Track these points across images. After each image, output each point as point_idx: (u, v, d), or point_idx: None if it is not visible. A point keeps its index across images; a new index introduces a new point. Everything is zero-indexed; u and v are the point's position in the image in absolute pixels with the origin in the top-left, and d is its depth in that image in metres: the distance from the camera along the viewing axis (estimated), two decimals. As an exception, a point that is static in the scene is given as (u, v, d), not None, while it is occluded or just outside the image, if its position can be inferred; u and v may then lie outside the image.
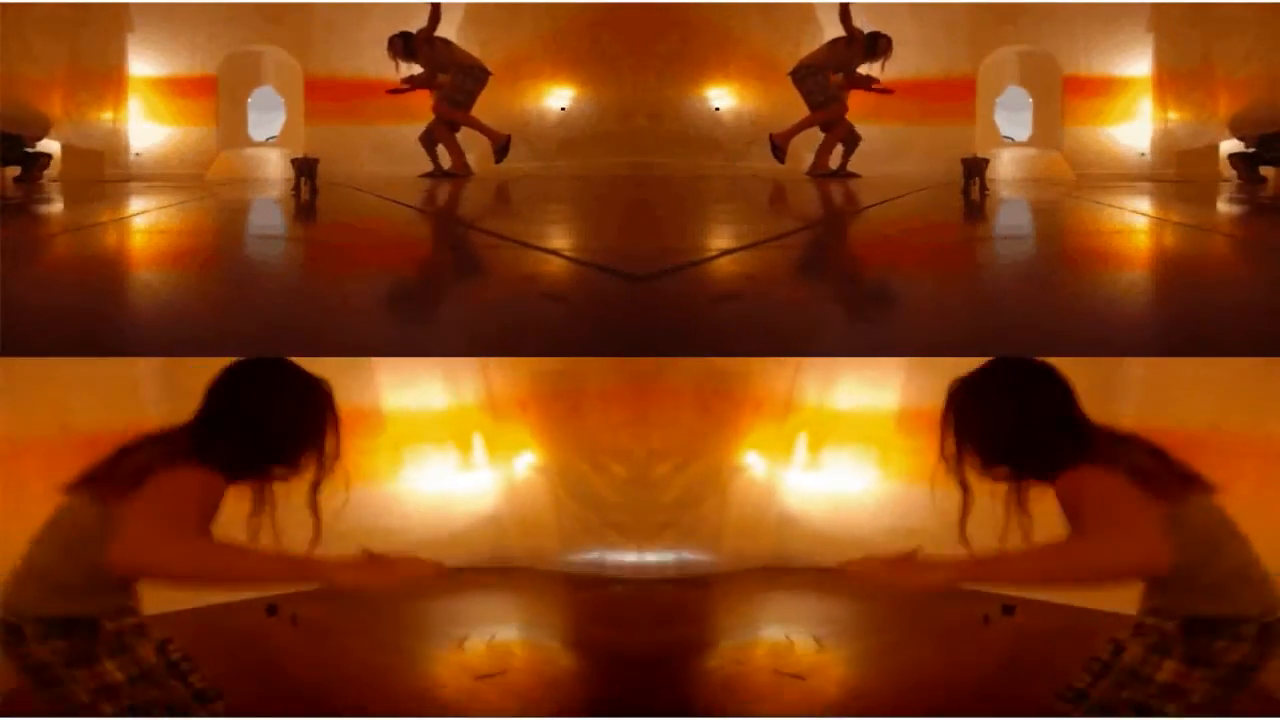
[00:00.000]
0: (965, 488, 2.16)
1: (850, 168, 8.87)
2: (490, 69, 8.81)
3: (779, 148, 8.74)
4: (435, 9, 8.65)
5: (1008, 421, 2.09)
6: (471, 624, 4.81)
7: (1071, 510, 1.98)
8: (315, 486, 2.16)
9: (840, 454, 6.20)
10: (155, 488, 1.94)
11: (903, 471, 5.83)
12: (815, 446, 6.29)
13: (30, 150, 8.65)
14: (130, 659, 2.00)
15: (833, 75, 8.61)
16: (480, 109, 9.05)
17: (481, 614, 5.21)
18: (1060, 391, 2.11)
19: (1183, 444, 2.14)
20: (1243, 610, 1.96)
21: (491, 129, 8.82)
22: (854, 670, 4.22)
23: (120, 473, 2.00)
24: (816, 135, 8.92)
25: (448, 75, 8.74)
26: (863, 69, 8.65)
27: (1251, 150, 8.78)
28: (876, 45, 8.53)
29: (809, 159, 9.14)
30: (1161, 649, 1.97)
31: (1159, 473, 2.00)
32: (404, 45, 8.64)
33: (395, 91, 8.77)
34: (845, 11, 8.58)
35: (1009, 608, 4.78)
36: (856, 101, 8.75)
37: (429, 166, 8.95)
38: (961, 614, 4.63)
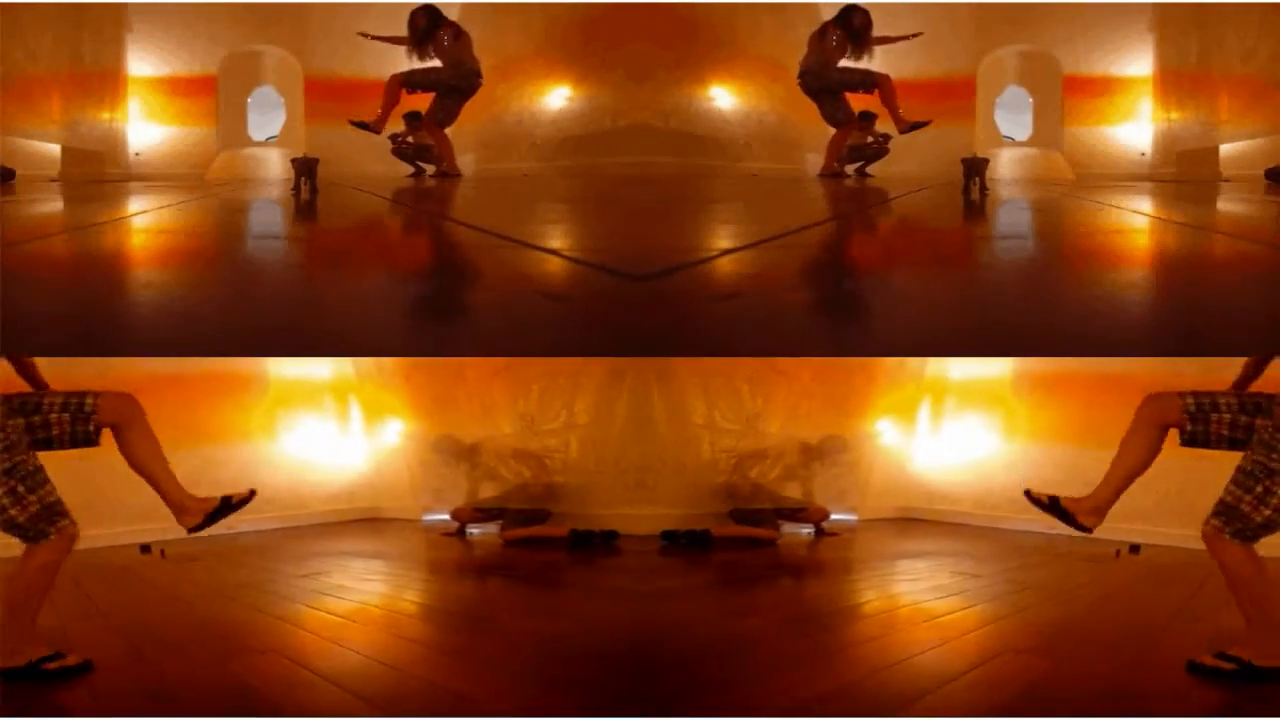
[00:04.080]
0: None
1: (849, 167, 8.87)
2: (482, 80, 8.72)
3: (914, 125, 8.49)
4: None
5: None
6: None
7: None
8: None
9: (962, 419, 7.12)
10: None
11: (1021, 432, 6.70)
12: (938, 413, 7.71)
13: None
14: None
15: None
16: (481, 105, 9.04)
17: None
18: None
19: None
20: None
21: (384, 118, 8.48)
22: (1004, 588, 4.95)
23: None
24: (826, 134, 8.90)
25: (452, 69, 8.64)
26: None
27: None
28: (852, 23, 8.39)
29: (817, 160, 9.14)
30: None
31: None
32: (429, 24, 8.46)
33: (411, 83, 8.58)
34: (846, 11, 8.53)
35: (1135, 546, 5.63)
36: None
37: (427, 166, 8.95)
38: (1095, 550, 5.52)
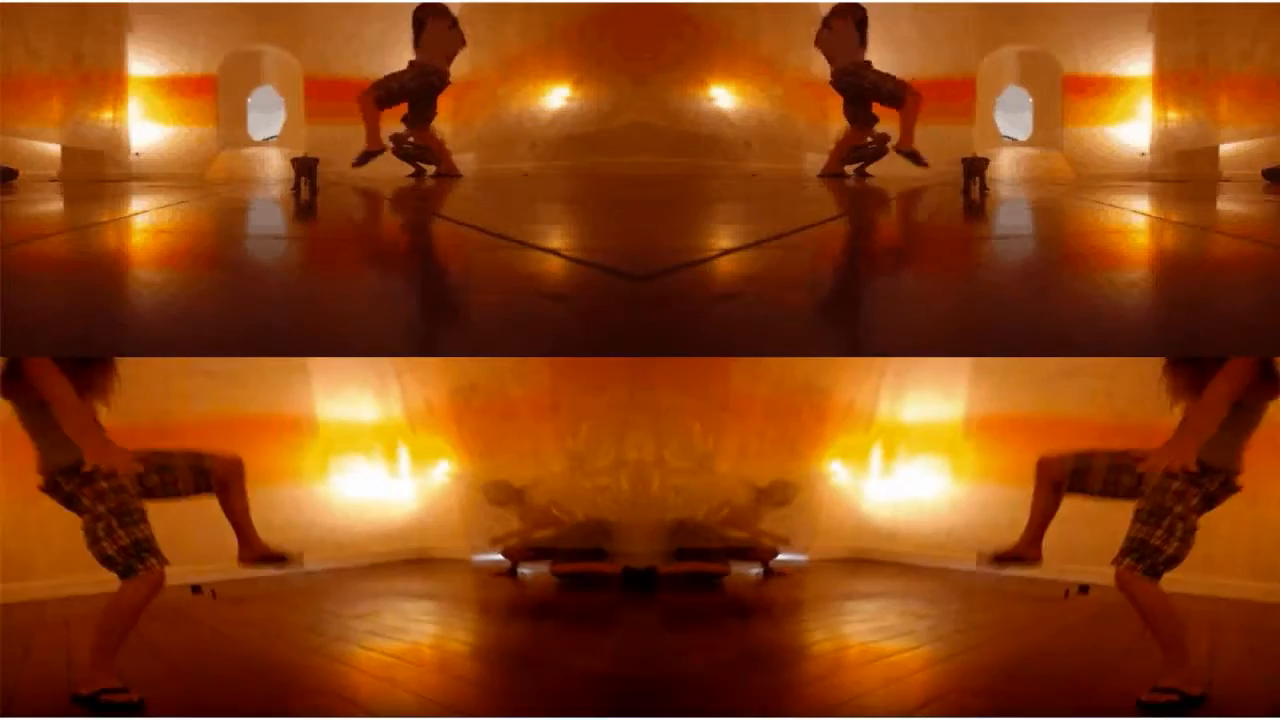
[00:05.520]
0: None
1: (849, 168, 8.87)
2: (448, 80, 8.75)
3: (915, 154, 8.59)
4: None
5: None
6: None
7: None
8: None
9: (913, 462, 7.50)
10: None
11: (973, 475, 6.71)
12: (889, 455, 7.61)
13: None
14: (108, 482, 3.41)
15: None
16: (481, 104, 9.03)
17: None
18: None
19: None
20: (1224, 466, 3.41)
21: (375, 137, 8.67)
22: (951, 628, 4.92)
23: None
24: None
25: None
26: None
27: None
28: (862, 19, 8.50)
29: (817, 160, 9.14)
30: (1174, 475, 3.38)
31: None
32: (422, 19, 8.57)
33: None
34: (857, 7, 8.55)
35: (1084, 587, 5.43)
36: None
37: (427, 167, 8.95)
38: (1043, 591, 5.53)
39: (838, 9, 8.59)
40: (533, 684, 3.85)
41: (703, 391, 6.83)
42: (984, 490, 6.96)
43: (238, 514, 3.85)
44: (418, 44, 8.63)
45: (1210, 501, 3.43)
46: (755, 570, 6.72)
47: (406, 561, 7.30)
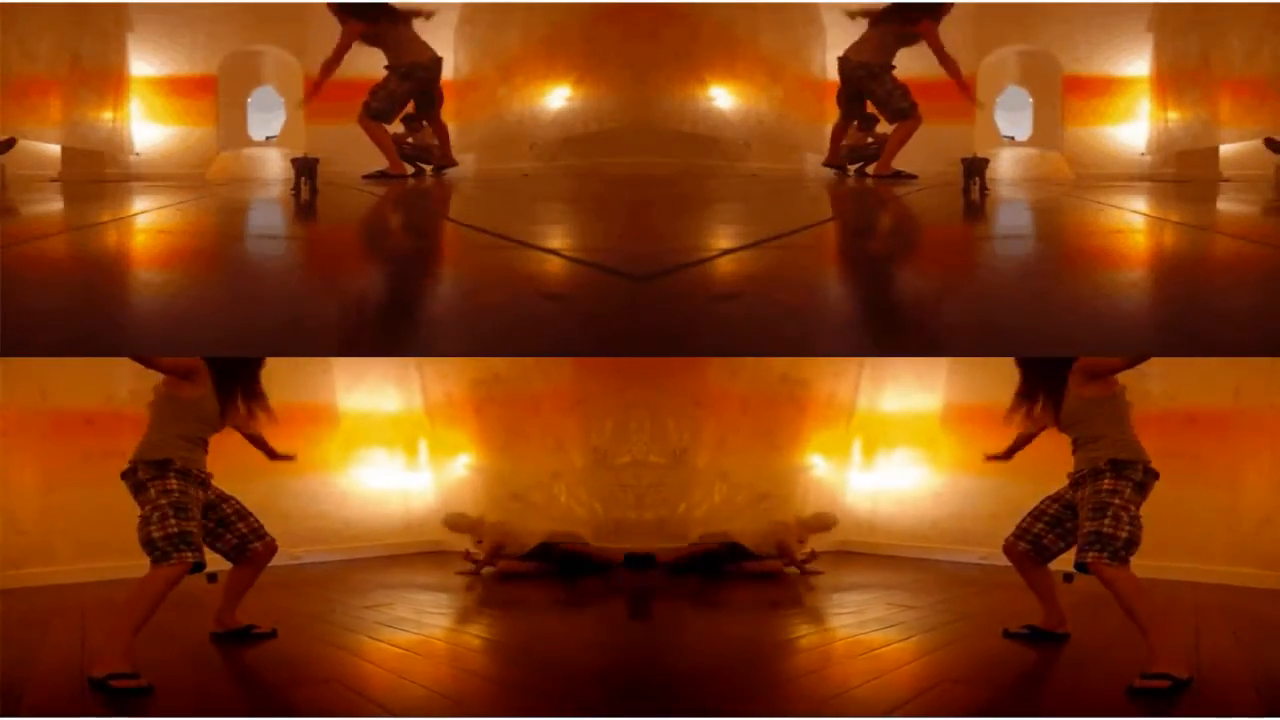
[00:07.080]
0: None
1: (849, 167, 8.87)
2: (439, 60, 8.59)
3: (897, 174, 8.41)
4: None
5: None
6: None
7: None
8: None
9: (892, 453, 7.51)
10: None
11: (954, 465, 6.70)
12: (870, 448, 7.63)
13: None
14: (185, 479, 3.78)
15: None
16: (481, 105, 8.99)
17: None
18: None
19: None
20: (1135, 458, 3.86)
21: (397, 160, 8.49)
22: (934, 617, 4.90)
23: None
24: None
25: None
26: None
27: None
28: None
29: (816, 160, 9.12)
30: (1099, 475, 3.83)
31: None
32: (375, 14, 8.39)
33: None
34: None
35: (1069, 575, 5.30)
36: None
37: (427, 166, 8.94)
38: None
39: (886, 11, 8.44)
40: (546, 680, 3.84)
41: (677, 387, 6.77)
42: (965, 480, 6.97)
43: (240, 586, 4.22)
44: (387, 51, 8.49)
45: (1142, 490, 3.82)
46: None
47: (422, 554, 7.28)
